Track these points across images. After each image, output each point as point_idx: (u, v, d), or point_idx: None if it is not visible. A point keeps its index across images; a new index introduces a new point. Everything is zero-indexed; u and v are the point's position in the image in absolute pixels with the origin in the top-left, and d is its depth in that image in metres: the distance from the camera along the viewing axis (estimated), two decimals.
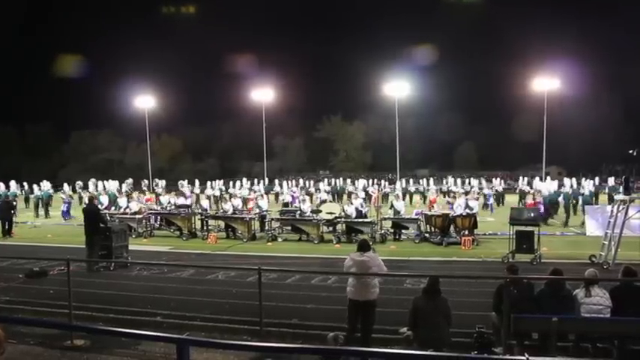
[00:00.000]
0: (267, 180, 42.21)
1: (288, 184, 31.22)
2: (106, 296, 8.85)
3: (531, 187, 27.81)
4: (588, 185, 23.17)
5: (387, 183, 34.33)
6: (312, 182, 35.60)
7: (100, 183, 28.10)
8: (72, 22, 68.12)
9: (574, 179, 23.57)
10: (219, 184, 31.45)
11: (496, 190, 28.36)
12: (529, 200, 19.95)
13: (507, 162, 59.48)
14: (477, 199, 17.19)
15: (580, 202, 21.18)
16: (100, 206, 16.50)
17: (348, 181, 31.98)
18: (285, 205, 23.36)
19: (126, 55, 62.03)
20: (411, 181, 33.05)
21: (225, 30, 74.65)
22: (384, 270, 6.43)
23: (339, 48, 72.59)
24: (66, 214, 23.11)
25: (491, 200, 25.75)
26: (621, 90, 55.07)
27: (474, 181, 31.28)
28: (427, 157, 65.86)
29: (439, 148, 65.36)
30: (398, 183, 32.30)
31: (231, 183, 31.30)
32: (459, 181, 31.30)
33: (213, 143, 72.44)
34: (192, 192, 26.28)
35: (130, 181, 30.19)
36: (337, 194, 30.69)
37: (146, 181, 33.99)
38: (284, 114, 62.01)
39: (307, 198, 18.27)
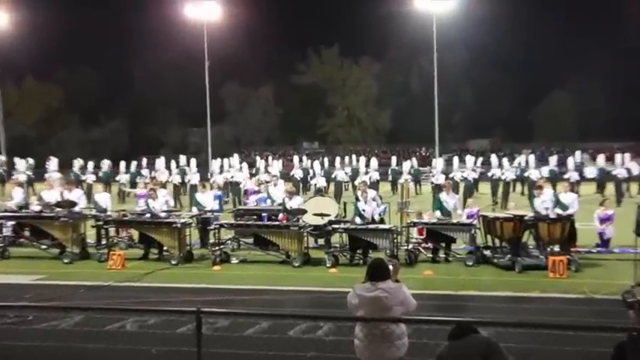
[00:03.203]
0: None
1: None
2: None
3: None
4: None
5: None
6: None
7: None
8: None
9: None
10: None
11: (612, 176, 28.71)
12: None
13: (632, 127, 58.43)
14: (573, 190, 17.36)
15: None
16: None
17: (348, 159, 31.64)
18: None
19: None
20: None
21: None
22: (413, 307, 6.57)
23: None
24: None
25: None
26: None
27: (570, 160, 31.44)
28: (486, 121, 66.04)
29: (507, 105, 65.49)
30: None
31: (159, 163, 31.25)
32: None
33: (116, 95, 72.09)
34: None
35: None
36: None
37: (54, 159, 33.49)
38: (241, 46, 61.73)
39: (281, 181, 18.39)
